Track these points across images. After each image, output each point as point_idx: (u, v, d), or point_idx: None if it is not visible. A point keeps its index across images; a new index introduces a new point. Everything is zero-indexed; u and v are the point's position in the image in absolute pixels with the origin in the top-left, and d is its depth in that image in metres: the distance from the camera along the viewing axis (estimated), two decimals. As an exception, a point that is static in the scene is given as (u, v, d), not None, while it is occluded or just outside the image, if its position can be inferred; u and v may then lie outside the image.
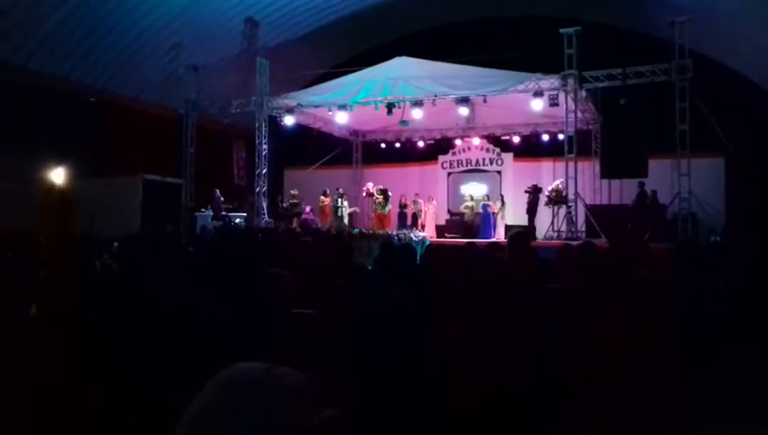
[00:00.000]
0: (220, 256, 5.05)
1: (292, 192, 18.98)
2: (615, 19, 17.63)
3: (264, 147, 17.75)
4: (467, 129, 19.89)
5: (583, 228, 15.33)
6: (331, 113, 17.25)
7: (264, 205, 17.68)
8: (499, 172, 20.30)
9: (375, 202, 18.18)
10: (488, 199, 18.38)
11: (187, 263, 4.98)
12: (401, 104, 16.21)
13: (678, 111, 14.13)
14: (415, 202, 19.35)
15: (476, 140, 20.46)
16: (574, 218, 14.99)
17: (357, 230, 16.20)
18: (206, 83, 17.72)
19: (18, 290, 3.21)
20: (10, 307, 2.97)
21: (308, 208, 18.52)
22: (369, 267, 5.10)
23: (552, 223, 15.68)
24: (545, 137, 18.94)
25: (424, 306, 3.00)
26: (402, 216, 18.87)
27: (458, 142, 20.79)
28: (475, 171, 20.77)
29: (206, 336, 2.70)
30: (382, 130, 21.22)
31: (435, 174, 21.30)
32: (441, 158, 21.20)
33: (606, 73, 14.67)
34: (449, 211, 20.61)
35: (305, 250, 5.76)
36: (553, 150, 17.92)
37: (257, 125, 17.57)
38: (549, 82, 14.62)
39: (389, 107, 16.00)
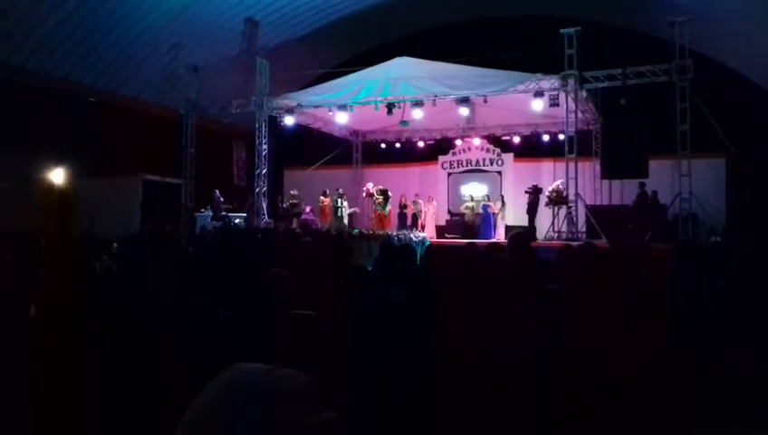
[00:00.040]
0: (220, 256, 5.05)
1: (291, 192, 18.96)
2: (615, 19, 17.62)
3: (264, 147, 17.75)
4: (467, 129, 19.88)
5: (584, 229, 15.32)
6: (331, 113, 17.24)
7: (264, 205, 17.68)
8: (499, 172, 20.28)
9: (375, 202, 18.17)
10: (488, 200, 18.35)
11: (186, 263, 4.97)
12: (401, 104, 16.21)
13: (679, 111, 14.12)
14: (415, 202, 19.32)
15: (477, 141, 20.45)
16: (575, 219, 14.98)
17: (357, 231, 16.19)
18: (206, 83, 17.72)
19: (18, 290, 3.21)
20: (10, 308, 2.97)
21: (308, 209, 18.51)
22: (369, 268, 5.10)
23: (553, 223, 15.67)
24: (546, 137, 18.93)
25: (424, 307, 2.99)
26: (402, 216, 18.85)
27: (458, 143, 20.78)
28: (475, 172, 20.75)
29: (205, 337, 2.69)
30: (382, 130, 21.21)
31: (435, 174, 21.29)
32: (441, 158, 21.18)
33: (606, 74, 14.67)
34: (449, 212, 20.59)
35: (305, 251, 5.75)
36: (554, 151, 17.92)
37: (257, 125, 17.56)
38: (549, 83, 14.61)
39: (390, 107, 16.00)
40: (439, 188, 20.95)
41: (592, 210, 15.66)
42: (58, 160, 12.76)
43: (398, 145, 21.49)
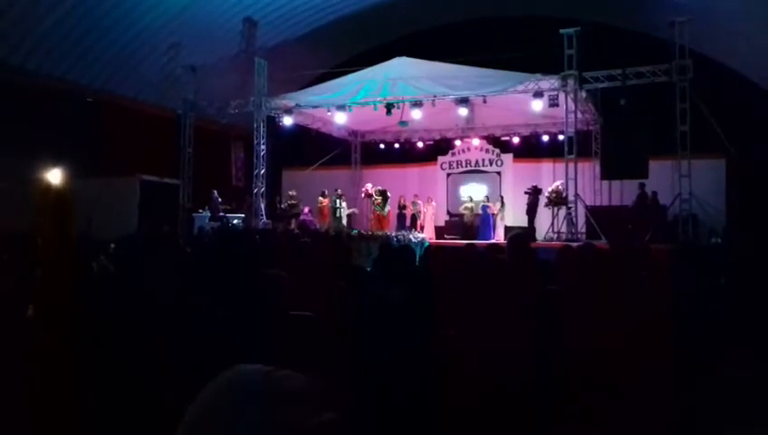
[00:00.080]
0: (218, 257, 5.03)
1: (290, 193, 18.94)
2: (615, 19, 17.64)
3: (263, 147, 17.75)
4: (467, 129, 19.90)
5: (583, 230, 15.34)
6: (329, 114, 17.24)
7: (263, 206, 17.68)
8: (499, 173, 20.29)
9: (374, 203, 18.17)
10: (488, 200, 18.35)
11: (184, 264, 4.96)
12: (400, 105, 16.20)
13: (679, 111, 14.13)
14: (414, 203, 19.32)
15: (476, 141, 20.46)
16: (574, 220, 14.99)
17: (355, 231, 16.18)
18: (204, 83, 17.72)
19: (15, 291, 3.20)
20: (7, 308, 2.96)
21: (306, 209, 18.51)
22: (368, 269, 5.09)
23: (552, 224, 15.68)
24: (545, 138, 18.96)
25: (423, 308, 2.98)
26: (401, 217, 18.84)
27: (458, 143, 20.80)
28: (474, 172, 20.76)
29: (203, 337, 2.68)
30: (381, 130, 21.21)
31: (434, 175, 21.30)
32: (440, 158, 21.20)
33: (606, 74, 14.68)
34: (448, 212, 20.60)
35: (304, 251, 5.74)
36: (553, 151, 17.94)
37: (255, 126, 17.56)
38: (549, 83, 14.62)
39: (389, 107, 15.99)
40: (438, 188, 20.96)
41: (592, 211, 15.67)
42: (55, 160, 12.75)
43: (397, 145, 21.50)
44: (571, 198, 15.01)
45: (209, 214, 16.82)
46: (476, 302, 3.29)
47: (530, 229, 15.48)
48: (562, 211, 15.41)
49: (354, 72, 16.12)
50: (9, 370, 2.47)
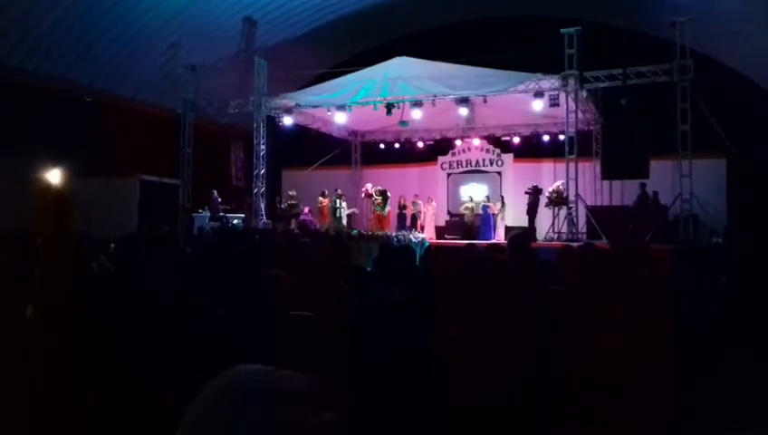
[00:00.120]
0: (218, 257, 5.03)
1: (290, 193, 18.93)
2: (616, 19, 17.64)
3: (262, 147, 17.74)
4: (467, 129, 19.88)
5: (584, 230, 15.33)
6: (329, 113, 17.23)
7: (262, 206, 17.67)
8: (499, 173, 20.28)
9: (374, 203, 18.16)
10: (488, 200, 18.34)
11: (184, 264, 4.96)
12: (401, 104, 16.20)
13: (679, 111, 14.12)
14: (414, 203, 19.31)
15: (476, 141, 20.45)
16: (575, 220, 14.99)
17: (356, 231, 16.18)
18: (203, 83, 17.71)
19: (15, 290, 3.19)
20: (6, 308, 2.95)
21: (306, 209, 18.50)
22: (368, 269, 5.09)
23: (553, 224, 15.68)
24: (546, 137, 18.95)
25: (423, 308, 2.98)
26: (401, 217, 18.83)
27: (458, 143, 20.78)
28: (474, 172, 20.75)
29: (203, 337, 2.68)
30: (381, 130, 21.20)
31: (434, 175, 21.29)
32: (441, 158, 21.18)
33: (607, 74, 14.67)
34: (449, 212, 20.59)
35: (304, 251, 5.74)
36: (554, 151, 17.93)
37: (255, 125, 17.54)
38: (549, 83, 14.62)
39: (389, 107, 15.99)
40: (439, 188, 20.96)
41: (593, 211, 15.66)
42: (55, 160, 12.76)
43: (397, 145, 21.49)
44: (571, 198, 15.01)
45: (209, 214, 16.82)
46: (477, 302, 3.28)
47: (530, 229, 15.49)
48: (563, 211, 15.41)
49: (354, 71, 16.11)
50: (9, 370, 2.47)
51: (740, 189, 16.15)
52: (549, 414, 2.96)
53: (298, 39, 18.90)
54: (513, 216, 17.96)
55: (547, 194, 16.14)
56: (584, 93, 15.23)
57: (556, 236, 15.18)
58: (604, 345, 3.13)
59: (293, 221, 18.16)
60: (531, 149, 19.34)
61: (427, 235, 17.62)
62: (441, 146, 21.04)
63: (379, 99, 15.91)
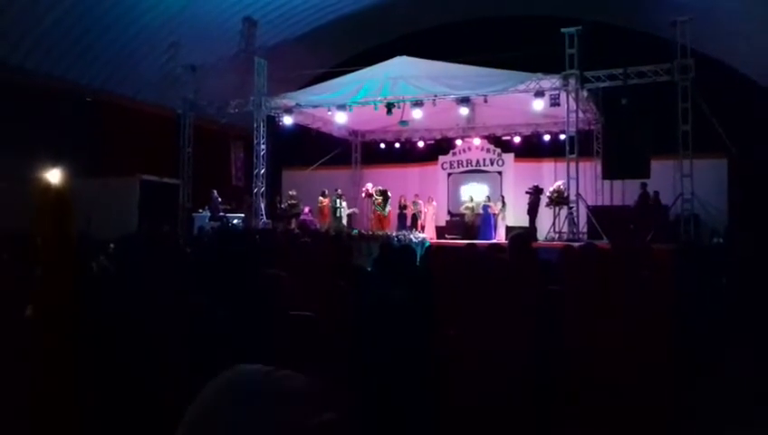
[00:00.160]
0: (218, 256, 5.03)
1: (290, 193, 18.93)
2: (616, 19, 17.64)
3: (263, 147, 17.74)
4: (468, 129, 19.87)
5: (585, 230, 15.33)
6: (330, 113, 17.23)
7: (263, 206, 17.67)
8: (500, 173, 20.26)
9: (374, 203, 18.16)
10: (489, 200, 18.33)
11: (184, 264, 4.96)
12: (401, 104, 16.19)
13: (680, 111, 14.11)
14: (414, 203, 19.30)
15: (477, 141, 20.44)
16: (576, 219, 14.98)
17: (356, 231, 16.17)
18: (203, 83, 17.72)
19: (14, 290, 3.19)
20: (6, 308, 2.95)
21: (306, 209, 18.50)
22: (369, 269, 5.08)
23: (554, 224, 15.67)
24: (546, 137, 18.94)
25: (424, 308, 2.98)
26: (402, 217, 18.83)
27: (459, 143, 20.77)
28: (475, 172, 20.73)
29: (203, 337, 2.68)
30: (382, 130, 21.20)
31: (435, 175, 21.28)
32: (441, 158, 21.17)
33: (607, 73, 14.66)
34: (449, 212, 20.57)
35: (304, 251, 5.74)
36: (555, 151, 17.92)
37: (255, 125, 17.55)
38: (550, 82, 14.61)
39: (389, 107, 15.99)
40: (439, 188, 20.94)
41: (593, 211, 15.65)
42: (55, 160, 12.75)
43: (397, 145, 21.48)
44: (572, 197, 15.01)
45: (209, 214, 16.82)
46: (477, 302, 3.28)
47: (531, 229, 15.47)
48: (564, 211, 15.40)
49: (354, 71, 16.11)
50: (9, 370, 2.47)
51: (741, 189, 16.15)
52: (549, 414, 2.96)
53: (298, 39, 18.90)
54: (514, 216, 17.95)
55: (548, 194, 16.13)
56: (585, 93, 15.22)
57: (557, 236, 15.17)
58: (605, 345, 3.13)
59: (294, 221, 18.15)
60: (531, 148, 19.34)
61: (428, 235, 17.61)
62: (441, 146, 21.04)
63: (379, 98, 15.91)
